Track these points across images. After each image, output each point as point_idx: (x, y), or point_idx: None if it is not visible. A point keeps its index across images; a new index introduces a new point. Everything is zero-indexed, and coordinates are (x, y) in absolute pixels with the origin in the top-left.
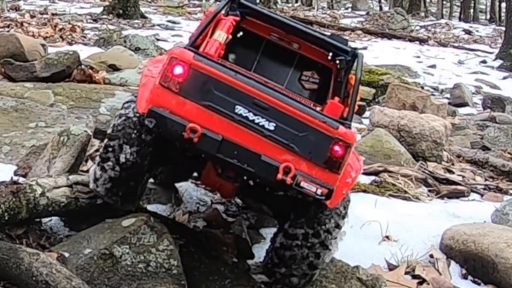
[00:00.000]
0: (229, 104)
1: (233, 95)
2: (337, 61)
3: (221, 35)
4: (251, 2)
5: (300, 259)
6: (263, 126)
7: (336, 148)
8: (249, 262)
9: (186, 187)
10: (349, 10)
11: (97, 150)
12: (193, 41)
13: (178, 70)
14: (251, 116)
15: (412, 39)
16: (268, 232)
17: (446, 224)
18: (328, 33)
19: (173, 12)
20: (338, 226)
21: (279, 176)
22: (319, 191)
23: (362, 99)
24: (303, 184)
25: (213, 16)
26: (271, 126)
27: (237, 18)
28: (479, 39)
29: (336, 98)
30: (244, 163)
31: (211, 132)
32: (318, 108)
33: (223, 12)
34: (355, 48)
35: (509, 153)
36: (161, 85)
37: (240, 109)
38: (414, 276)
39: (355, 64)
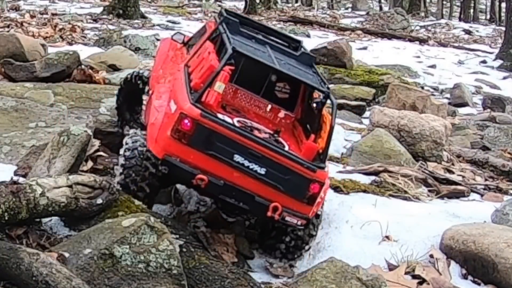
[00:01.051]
0: (229, 153)
1: (232, 146)
2: (314, 104)
3: (220, 87)
4: (244, 49)
5: (292, 244)
6: (256, 171)
7: (313, 187)
8: (249, 262)
9: (186, 187)
10: (349, 10)
11: (97, 151)
12: (199, 97)
13: (187, 125)
14: (246, 163)
15: (412, 39)
16: None
17: (446, 224)
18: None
19: (173, 12)
20: (314, 227)
21: (269, 213)
22: (299, 222)
23: (362, 99)
24: (287, 218)
25: (217, 73)
26: (262, 171)
27: (232, 67)
28: (479, 39)
29: (312, 137)
30: (240, 201)
31: (215, 178)
32: (286, 113)
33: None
34: (329, 90)
35: (509, 153)
36: (172, 136)
37: (238, 157)
38: (414, 276)
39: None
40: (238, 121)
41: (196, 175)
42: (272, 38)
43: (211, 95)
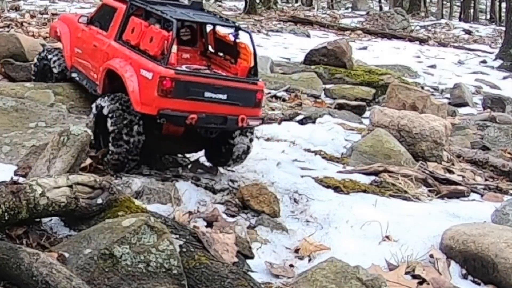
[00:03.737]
0: (200, 93)
1: (201, 87)
2: (232, 37)
3: (175, 48)
4: (177, 16)
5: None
6: (220, 98)
7: (258, 95)
8: (249, 262)
9: (186, 187)
10: (349, 10)
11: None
12: (167, 61)
13: (168, 83)
14: (213, 95)
15: (412, 39)
16: (267, 232)
17: (446, 224)
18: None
19: None
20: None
21: (240, 124)
22: (258, 123)
23: (362, 99)
24: (251, 123)
25: (173, 39)
26: (225, 96)
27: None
28: (479, 39)
29: (239, 61)
30: (219, 124)
31: (200, 114)
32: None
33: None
34: (234, 23)
35: (509, 153)
36: (160, 95)
37: (207, 93)
38: (414, 276)
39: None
40: (186, 67)
41: (188, 116)
42: None
43: (172, 56)
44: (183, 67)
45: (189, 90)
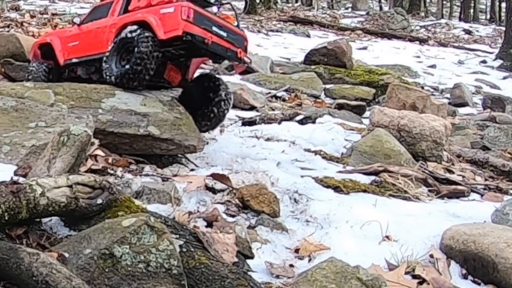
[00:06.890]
0: (210, 26)
1: (210, 22)
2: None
3: None
4: None
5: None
6: (223, 35)
7: (245, 42)
8: (249, 262)
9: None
10: (349, 10)
11: (96, 149)
12: None
13: (189, 11)
14: (218, 30)
15: (412, 39)
16: (267, 232)
17: (446, 224)
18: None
19: None
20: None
21: (239, 56)
22: (248, 60)
23: (362, 99)
24: (245, 59)
25: None
26: (225, 34)
27: None
28: (479, 39)
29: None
30: (224, 52)
31: (212, 39)
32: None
33: None
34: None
35: (509, 153)
36: (183, 19)
37: (214, 28)
38: (414, 276)
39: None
40: None
41: (206, 37)
42: None
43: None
44: None
45: (203, 21)
